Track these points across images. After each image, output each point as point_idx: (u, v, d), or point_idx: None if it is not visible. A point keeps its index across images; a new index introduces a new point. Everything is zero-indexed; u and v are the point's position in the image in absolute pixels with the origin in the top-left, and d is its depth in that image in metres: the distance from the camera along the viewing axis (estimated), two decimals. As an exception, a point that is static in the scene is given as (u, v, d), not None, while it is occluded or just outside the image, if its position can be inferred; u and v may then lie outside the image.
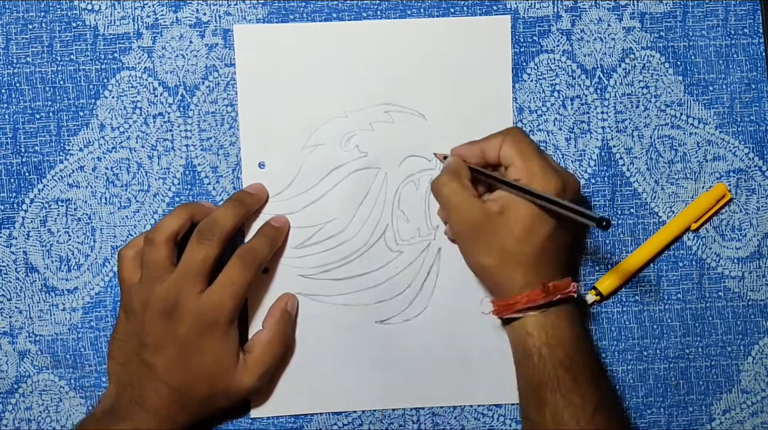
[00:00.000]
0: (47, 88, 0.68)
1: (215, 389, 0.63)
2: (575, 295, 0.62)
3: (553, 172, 0.61)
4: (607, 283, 0.68)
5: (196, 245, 0.62)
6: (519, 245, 0.60)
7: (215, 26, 0.68)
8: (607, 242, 0.69)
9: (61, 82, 0.68)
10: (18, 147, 0.68)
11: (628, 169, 0.69)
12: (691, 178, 0.69)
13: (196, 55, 0.68)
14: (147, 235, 0.63)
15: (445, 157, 0.66)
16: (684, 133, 0.69)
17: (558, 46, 0.69)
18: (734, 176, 0.69)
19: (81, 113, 0.68)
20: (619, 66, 0.69)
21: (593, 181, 0.69)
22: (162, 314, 0.61)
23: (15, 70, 0.67)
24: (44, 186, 0.68)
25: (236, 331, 0.63)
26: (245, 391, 0.64)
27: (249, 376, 0.63)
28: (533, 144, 0.62)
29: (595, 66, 0.69)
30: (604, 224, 0.55)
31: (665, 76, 0.69)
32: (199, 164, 0.68)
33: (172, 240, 0.63)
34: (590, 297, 0.68)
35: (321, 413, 0.68)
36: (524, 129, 0.68)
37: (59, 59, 0.68)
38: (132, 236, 0.68)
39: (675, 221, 0.69)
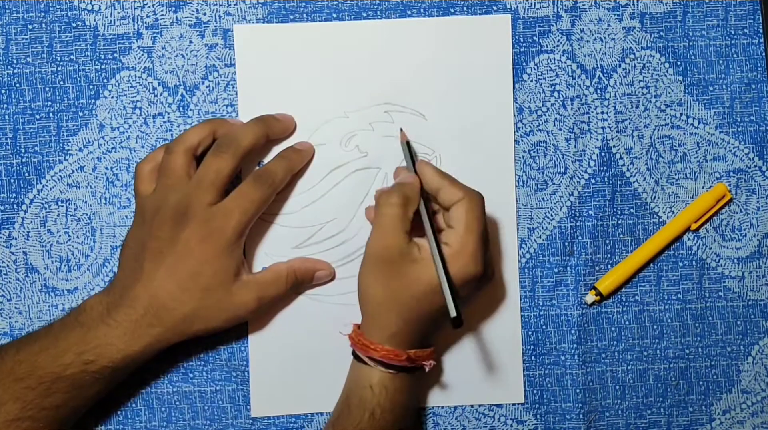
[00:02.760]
0: (47, 89, 0.68)
1: (205, 302, 0.61)
2: (427, 369, 0.62)
3: (479, 261, 0.60)
4: (607, 283, 0.68)
5: (212, 156, 0.62)
6: (411, 301, 0.60)
7: (215, 26, 0.68)
8: (607, 241, 0.69)
9: (61, 83, 0.68)
10: (18, 147, 0.68)
11: (628, 170, 0.69)
12: (691, 178, 0.69)
13: (196, 55, 0.68)
14: (167, 145, 0.64)
15: (408, 145, 0.65)
16: (684, 133, 0.69)
17: (558, 46, 0.69)
18: (734, 176, 0.69)
19: (81, 113, 0.68)
20: (619, 66, 0.69)
21: (593, 181, 0.69)
22: (171, 220, 0.61)
23: (15, 71, 0.67)
24: (44, 186, 0.68)
25: (241, 249, 0.63)
26: (241, 308, 0.63)
27: (247, 293, 0.63)
28: (483, 223, 0.61)
29: (595, 66, 0.69)
30: (456, 322, 0.56)
31: (665, 76, 0.69)
32: (199, 164, 0.68)
33: (191, 151, 0.63)
34: (590, 297, 0.68)
35: (321, 413, 0.68)
36: (524, 128, 0.68)
37: (59, 59, 0.67)
38: (132, 236, 0.68)
39: (675, 221, 0.69)
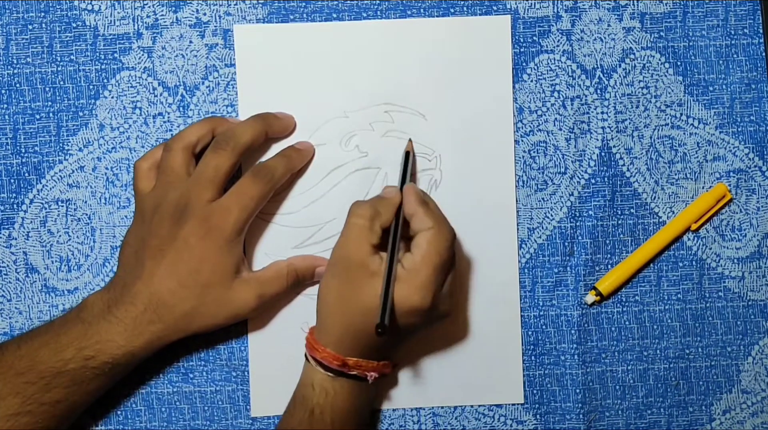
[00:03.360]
0: (47, 89, 0.68)
1: (205, 299, 0.62)
2: (370, 380, 0.61)
3: (426, 294, 0.59)
4: (607, 283, 0.68)
5: (211, 152, 0.62)
6: (360, 311, 0.59)
7: (215, 26, 0.68)
8: (608, 241, 0.69)
9: (61, 83, 0.68)
10: (18, 147, 0.68)
11: (628, 170, 0.69)
12: (691, 178, 0.69)
13: (196, 55, 0.68)
14: (166, 143, 0.64)
15: (411, 152, 0.66)
16: (684, 134, 0.69)
17: (558, 46, 0.69)
18: (734, 176, 0.69)
19: (81, 113, 0.68)
20: (619, 66, 0.69)
21: (593, 181, 0.69)
22: (170, 217, 0.61)
23: (15, 71, 0.67)
24: (44, 186, 0.68)
25: (240, 246, 0.63)
26: (242, 306, 0.63)
27: (248, 291, 0.63)
28: (444, 258, 0.59)
29: (595, 66, 0.69)
30: (380, 328, 0.56)
31: (665, 76, 0.69)
32: (199, 164, 0.68)
33: (189, 148, 0.63)
34: (590, 297, 0.68)
35: (321, 413, 0.68)
36: (524, 129, 0.69)
37: (59, 59, 0.67)
38: (132, 236, 0.68)
39: (675, 221, 0.69)
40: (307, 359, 0.63)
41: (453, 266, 0.62)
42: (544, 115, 0.69)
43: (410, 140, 0.67)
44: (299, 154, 0.66)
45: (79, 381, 0.60)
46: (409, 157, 0.66)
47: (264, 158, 0.67)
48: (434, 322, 0.63)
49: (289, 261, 0.66)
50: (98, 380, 0.61)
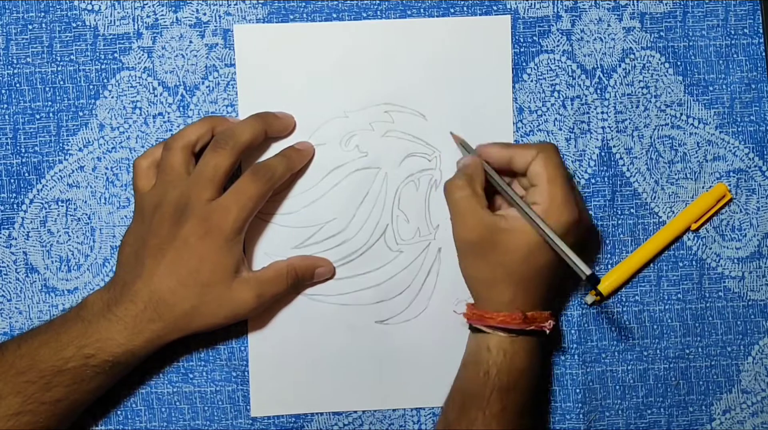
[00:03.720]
0: (47, 89, 0.68)
1: (205, 298, 0.62)
2: (548, 331, 0.62)
3: (572, 206, 0.61)
4: (607, 283, 0.68)
5: (210, 151, 0.63)
6: (515, 266, 0.61)
7: (215, 26, 0.68)
8: (608, 241, 0.69)
9: (61, 83, 0.68)
10: (18, 147, 0.68)
11: (628, 170, 0.69)
12: (691, 178, 0.69)
13: (196, 55, 0.68)
14: (165, 142, 0.64)
15: (462, 142, 0.66)
16: (684, 133, 0.69)
17: (558, 46, 0.69)
18: (734, 176, 0.69)
19: (81, 113, 0.68)
20: (619, 66, 0.69)
21: (593, 181, 0.69)
22: (170, 216, 0.61)
23: (15, 71, 0.67)
24: (44, 186, 0.68)
25: (240, 245, 0.63)
26: (241, 305, 0.63)
27: (247, 291, 0.63)
28: (564, 170, 0.62)
29: (595, 66, 0.69)
30: (593, 281, 0.56)
31: (665, 76, 0.69)
32: (199, 164, 0.68)
33: (189, 148, 0.63)
34: (590, 297, 0.68)
35: (321, 413, 0.68)
36: (524, 129, 0.69)
37: (59, 59, 0.67)
38: (132, 236, 0.68)
39: (675, 221, 0.69)
40: (476, 330, 0.63)
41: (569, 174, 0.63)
42: (544, 115, 0.69)
43: (453, 135, 0.67)
44: (299, 155, 0.66)
45: (80, 380, 0.60)
46: (463, 146, 0.66)
47: (264, 158, 0.67)
48: (583, 234, 0.64)
49: (289, 261, 0.66)
50: (98, 379, 0.61)
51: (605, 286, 0.68)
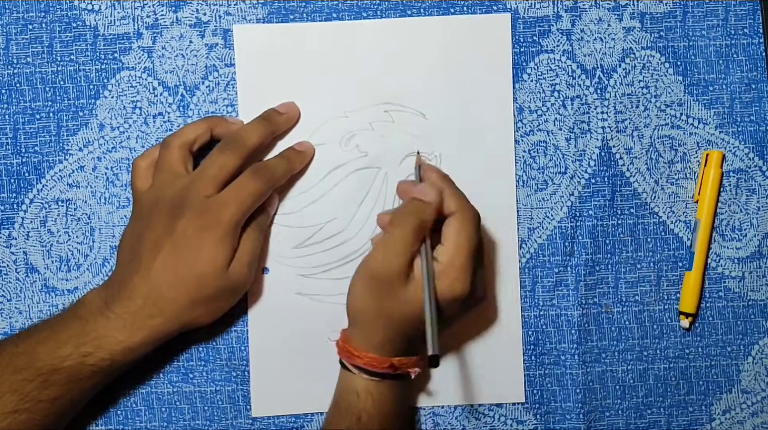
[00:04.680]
0: (47, 88, 0.68)
1: (203, 291, 0.62)
2: (413, 376, 0.62)
3: (466, 280, 0.59)
4: (688, 301, 0.68)
5: (217, 152, 0.63)
6: (401, 319, 0.59)
7: (215, 26, 0.68)
8: (608, 241, 0.69)
9: (61, 82, 0.68)
10: (18, 147, 0.68)
11: (628, 170, 0.69)
12: (691, 178, 0.69)
13: (196, 55, 0.68)
14: (164, 140, 0.64)
15: (422, 163, 0.65)
16: (684, 133, 0.69)
17: (558, 46, 0.69)
18: (734, 176, 0.69)
19: (81, 113, 0.68)
20: (619, 66, 0.69)
21: (593, 181, 0.69)
22: (168, 211, 0.61)
23: (15, 70, 0.67)
24: (44, 186, 0.68)
25: (236, 240, 0.62)
26: (241, 283, 0.63)
27: (240, 272, 0.63)
28: (474, 240, 0.59)
29: (595, 66, 0.69)
30: (433, 361, 0.54)
31: (665, 76, 0.69)
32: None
33: (187, 146, 0.64)
34: (685, 322, 0.68)
35: (321, 413, 0.68)
36: (524, 128, 0.69)
37: (59, 59, 0.67)
38: (132, 236, 0.68)
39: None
40: (344, 366, 0.62)
41: (481, 248, 0.61)
42: (544, 115, 0.69)
43: (419, 153, 0.67)
44: (299, 156, 0.66)
45: (77, 378, 0.60)
46: (420, 170, 0.64)
47: (267, 156, 0.67)
48: (470, 309, 0.63)
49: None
50: (95, 377, 0.61)
51: (688, 304, 0.68)
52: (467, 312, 0.64)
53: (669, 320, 0.69)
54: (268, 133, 0.65)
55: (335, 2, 0.68)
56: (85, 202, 0.68)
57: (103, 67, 0.68)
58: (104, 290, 0.62)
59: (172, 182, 0.62)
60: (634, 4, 0.69)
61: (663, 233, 0.69)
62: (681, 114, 0.69)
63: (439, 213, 0.60)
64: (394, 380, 0.61)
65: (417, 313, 0.58)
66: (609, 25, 0.69)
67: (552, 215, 0.69)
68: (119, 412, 0.68)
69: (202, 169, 0.62)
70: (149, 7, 0.68)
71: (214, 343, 0.68)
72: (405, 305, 0.59)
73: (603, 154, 0.69)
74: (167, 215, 0.61)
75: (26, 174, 0.68)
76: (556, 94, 0.69)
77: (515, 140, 0.68)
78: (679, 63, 0.69)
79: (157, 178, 0.63)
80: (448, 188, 0.61)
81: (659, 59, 0.69)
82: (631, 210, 0.69)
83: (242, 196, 0.62)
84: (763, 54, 0.69)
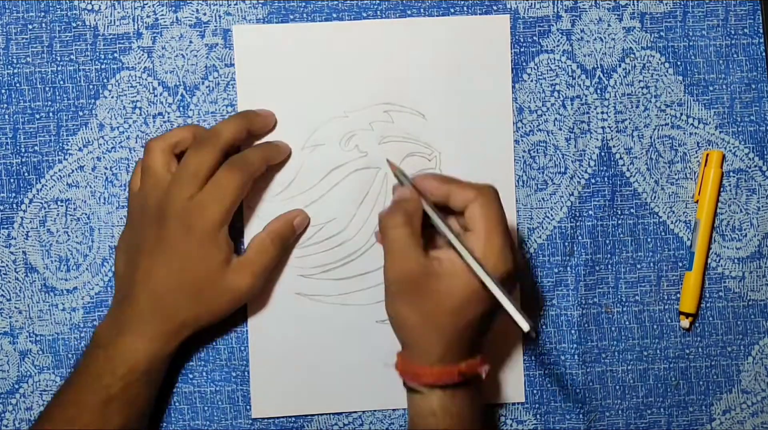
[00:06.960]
0: (47, 89, 0.68)
1: (203, 294, 0.62)
2: (484, 375, 0.59)
3: (509, 257, 0.57)
4: (688, 301, 0.68)
5: (192, 150, 0.63)
6: (448, 316, 0.57)
7: (215, 26, 0.68)
8: (607, 241, 0.69)
9: (61, 83, 0.67)
10: (18, 147, 0.67)
11: (628, 170, 0.69)
12: (691, 178, 0.69)
13: (196, 55, 0.68)
14: (146, 144, 0.64)
15: (399, 172, 0.62)
16: (684, 133, 0.69)
17: (558, 46, 0.69)
18: (734, 176, 0.69)
19: (81, 113, 0.68)
20: (619, 66, 0.69)
21: (593, 181, 0.69)
22: (155, 219, 0.62)
23: (15, 70, 0.67)
24: (43, 186, 0.68)
25: (225, 237, 0.62)
26: (238, 290, 0.63)
27: (241, 276, 0.63)
28: (503, 216, 0.58)
29: (595, 66, 0.69)
30: (533, 333, 0.53)
31: (665, 76, 0.69)
32: (198, 164, 0.68)
33: (168, 149, 0.63)
34: (685, 322, 0.68)
35: (321, 413, 0.68)
36: (524, 129, 0.69)
37: (59, 59, 0.67)
38: (132, 236, 0.68)
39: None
40: (412, 390, 0.60)
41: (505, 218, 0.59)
42: (544, 115, 0.69)
43: (388, 160, 0.64)
44: (275, 146, 0.66)
45: (131, 401, 0.61)
46: (399, 171, 0.62)
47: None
48: (517, 283, 0.62)
49: (267, 229, 0.65)
50: (145, 392, 0.62)
51: (689, 305, 0.68)
52: (515, 288, 0.62)
53: (669, 320, 0.69)
54: (243, 128, 0.64)
55: (335, 2, 0.68)
56: (85, 202, 0.68)
57: (102, 67, 0.68)
58: (110, 318, 0.63)
59: (155, 186, 0.62)
60: (634, 4, 0.69)
61: (663, 233, 0.69)
62: (681, 114, 0.69)
63: (444, 203, 0.59)
64: (466, 387, 0.59)
65: (462, 305, 0.57)
66: (609, 25, 0.69)
67: (552, 215, 0.69)
68: (119, 412, 0.67)
69: (180, 169, 0.62)
70: (149, 7, 0.68)
71: (214, 343, 0.68)
72: (446, 300, 0.57)
73: (603, 154, 0.69)
74: (155, 223, 0.62)
75: (26, 174, 0.68)
76: (556, 94, 0.69)
77: (515, 140, 0.68)
78: (679, 63, 0.69)
79: (143, 183, 0.63)
80: (453, 184, 0.59)
81: (659, 59, 0.69)
82: (631, 210, 0.69)
83: (220, 195, 0.61)
84: (763, 54, 0.69)
